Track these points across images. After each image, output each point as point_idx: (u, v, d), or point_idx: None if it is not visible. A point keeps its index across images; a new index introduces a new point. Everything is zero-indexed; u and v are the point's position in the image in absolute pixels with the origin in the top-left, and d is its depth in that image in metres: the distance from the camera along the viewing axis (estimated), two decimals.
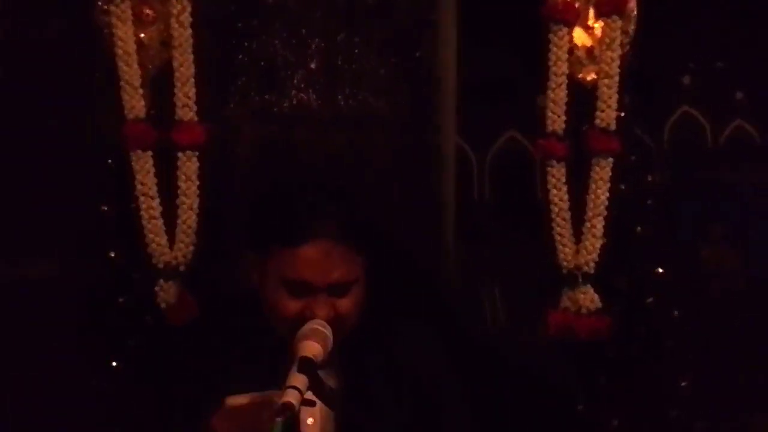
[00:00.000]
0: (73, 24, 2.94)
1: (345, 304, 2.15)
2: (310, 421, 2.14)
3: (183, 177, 2.71)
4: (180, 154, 2.71)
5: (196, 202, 2.71)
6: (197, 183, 2.71)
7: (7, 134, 3.04)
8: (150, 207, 2.70)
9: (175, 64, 2.71)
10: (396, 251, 2.53)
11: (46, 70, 3.06)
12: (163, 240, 2.69)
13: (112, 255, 2.67)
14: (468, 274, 3.11)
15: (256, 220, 2.24)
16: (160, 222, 2.70)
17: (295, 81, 2.87)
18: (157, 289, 2.67)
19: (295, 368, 1.96)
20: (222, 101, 2.85)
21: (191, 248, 2.70)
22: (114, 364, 2.61)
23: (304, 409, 2.02)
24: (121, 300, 2.65)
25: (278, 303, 2.14)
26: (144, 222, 2.69)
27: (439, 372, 2.24)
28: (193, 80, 2.71)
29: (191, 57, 2.71)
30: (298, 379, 1.94)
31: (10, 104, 3.04)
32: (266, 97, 2.86)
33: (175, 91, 2.71)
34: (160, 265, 2.68)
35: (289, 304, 2.13)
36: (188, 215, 2.71)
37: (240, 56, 2.84)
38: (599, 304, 2.76)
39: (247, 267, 2.22)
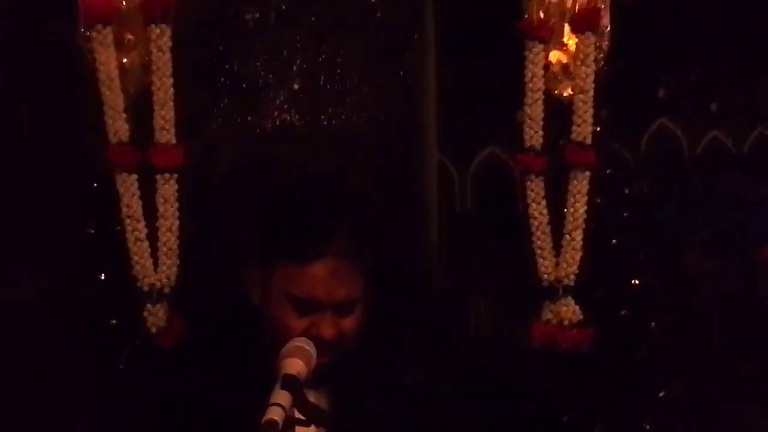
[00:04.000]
0: (56, 46, 2.95)
1: (349, 323, 2.16)
2: None
3: (161, 199, 2.71)
4: (158, 177, 2.72)
5: (175, 224, 2.71)
6: (176, 205, 2.71)
7: None
8: (135, 229, 2.70)
9: (154, 88, 2.72)
10: (383, 261, 2.55)
11: (32, 96, 3.08)
12: (148, 262, 2.70)
13: (102, 277, 2.68)
14: (453, 286, 3.14)
15: (263, 236, 2.24)
16: (145, 244, 2.70)
17: (278, 101, 2.89)
18: (145, 314, 2.67)
19: (278, 386, 1.98)
20: (205, 123, 2.87)
21: (174, 269, 2.70)
22: (103, 384, 2.61)
23: (299, 429, 2.04)
24: (110, 322, 2.66)
25: (284, 320, 2.14)
26: (129, 244, 2.69)
27: (429, 386, 2.26)
28: (171, 103, 2.72)
29: (170, 81, 2.72)
30: (282, 397, 1.95)
31: None
32: (249, 118, 2.88)
33: (154, 114, 2.72)
34: (145, 288, 2.68)
35: (294, 321, 2.14)
36: (168, 237, 2.71)
37: (222, 78, 2.87)
38: (581, 316, 2.79)
39: (248, 284, 2.23)
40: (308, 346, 2.09)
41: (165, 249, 2.71)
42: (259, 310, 2.21)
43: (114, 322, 2.66)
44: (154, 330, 2.65)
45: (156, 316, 2.67)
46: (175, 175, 2.72)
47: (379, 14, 2.93)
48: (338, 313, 2.15)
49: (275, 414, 1.91)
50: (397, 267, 2.68)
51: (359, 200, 2.42)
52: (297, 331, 2.14)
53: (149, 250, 2.71)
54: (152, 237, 2.72)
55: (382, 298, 2.28)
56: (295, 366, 2.03)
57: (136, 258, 2.69)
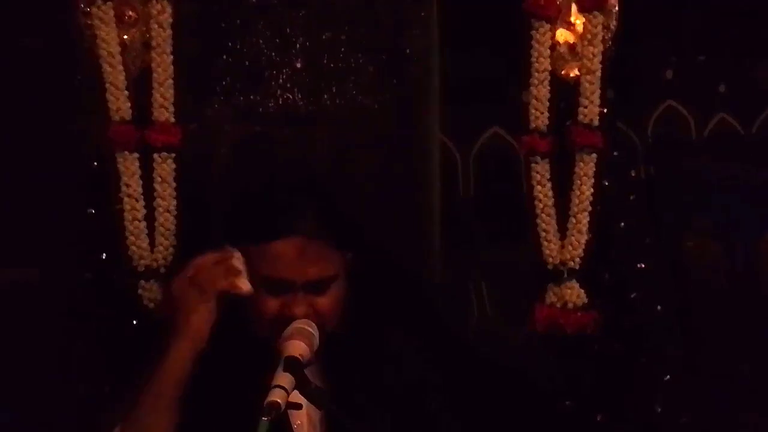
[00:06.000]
0: (55, 27, 2.93)
1: (324, 301, 2.14)
2: (298, 423, 2.14)
3: (159, 179, 2.70)
4: (156, 156, 2.70)
5: (173, 204, 2.70)
6: (174, 185, 2.70)
7: None
8: (133, 209, 2.69)
9: (154, 65, 2.70)
10: (380, 248, 2.53)
11: (28, 75, 3.06)
12: (144, 243, 2.68)
13: (103, 257, 2.67)
14: (454, 271, 3.12)
15: (232, 218, 2.24)
16: (142, 224, 2.69)
17: (281, 80, 2.87)
18: (140, 291, 2.66)
19: (280, 368, 1.97)
20: (206, 102, 2.84)
21: (171, 250, 2.68)
22: (100, 367, 2.60)
23: (291, 413, 2.03)
24: (108, 302, 2.65)
25: (257, 302, 2.13)
26: (126, 224, 2.68)
27: (426, 372, 2.25)
28: (171, 81, 2.70)
29: (170, 58, 2.70)
30: (284, 379, 1.94)
31: None
32: (251, 97, 2.86)
33: (153, 92, 2.70)
34: (141, 268, 2.67)
35: (268, 302, 2.13)
36: (165, 217, 2.70)
37: (224, 56, 2.84)
38: (585, 299, 2.77)
39: None
40: (311, 328, 2.08)
41: (162, 229, 2.69)
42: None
43: (114, 301, 2.64)
44: (152, 305, 2.64)
45: (151, 290, 2.66)
46: (173, 155, 2.71)
47: None
48: (311, 291, 2.13)
49: (278, 396, 1.91)
50: (392, 250, 2.67)
51: (329, 180, 2.40)
52: (271, 311, 2.13)
53: (146, 230, 2.69)
54: (150, 217, 2.70)
55: (380, 284, 2.27)
56: (298, 348, 2.02)
57: (132, 238, 2.68)
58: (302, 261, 2.12)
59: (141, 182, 2.69)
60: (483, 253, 3.36)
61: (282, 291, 2.13)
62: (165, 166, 2.70)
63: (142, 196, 2.69)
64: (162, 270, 2.67)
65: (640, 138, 4.26)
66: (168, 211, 2.70)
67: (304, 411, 2.06)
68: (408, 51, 2.92)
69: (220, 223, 2.64)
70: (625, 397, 2.81)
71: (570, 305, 2.76)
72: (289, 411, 1.98)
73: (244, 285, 2.11)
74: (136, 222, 2.69)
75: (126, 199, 2.69)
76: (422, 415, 2.21)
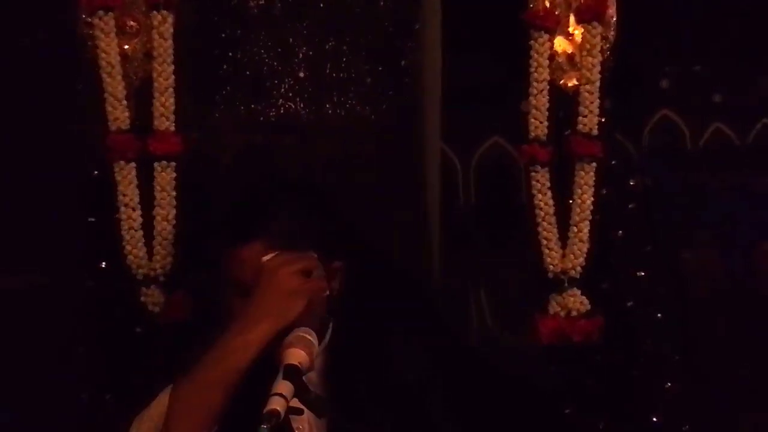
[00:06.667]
0: (56, 35, 2.93)
1: None
2: (300, 428, 2.14)
3: (158, 187, 2.70)
4: (156, 165, 2.70)
5: (172, 213, 2.70)
6: (173, 194, 2.70)
7: None
8: (130, 218, 2.69)
9: (155, 74, 2.71)
10: (380, 256, 2.54)
11: (31, 82, 3.06)
12: (142, 252, 2.68)
13: (103, 265, 2.67)
14: (453, 278, 3.13)
15: (211, 225, 2.23)
16: (139, 233, 2.69)
17: (283, 90, 2.87)
18: (142, 298, 2.66)
19: (280, 376, 1.96)
20: (208, 111, 2.85)
21: (169, 259, 2.69)
22: (105, 374, 2.60)
23: (293, 418, 2.03)
24: (112, 310, 2.65)
25: (227, 305, 2.11)
26: (123, 233, 2.68)
27: (427, 376, 2.24)
28: (172, 90, 2.70)
29: (171, 68, 2.70)
30: (284, 387, 1.93)
31: None
32: (253, 106, 2.87)
33: (154, 101, 2.71)
34: (140, 277, 2.67)
35: (235, 306, 2.11)
36: (163, 226, 2.70)
37: (225, 66, 2.85)
38: (588, 306, 2.78)
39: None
40: (310, 336, 2.08)
41: (160, 238, 2.70)
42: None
43: (117, 309, 2.64)
44: (156, 310, 2.65)
45: (153, 296, 2.66)
46: (173, 163, 2.71)
47: (382, 3, 2.91)
48: None
49: (277, 404, 1.89)
50: (392, 258, 2.67)
51: (329, 187, 2.39)
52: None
53: (143, 239, 2.69)
54: (149, 226, 2.70)
55: (380, 289, 2.27)
56: (297, 356, 2.01)
57: (129, 247, 2.68)
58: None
59: (138, 191, 2.70)
60: (483, 261, 3.36)
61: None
62: (165, 175, 2.71)
63: (139, 205, 2.70)
64: (161, 278, 2.68)
65: (635, 147, 4.27)
66: (167, 220, 2.71)
67: (305, 416, 2.06)
68: (409, 60, 2.93)
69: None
70: (625, 404, 2.81)
71: (574, 313, 2.76)
72: (291, 416, 1.99)
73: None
74: (133, 231, 2.69)
75: (123, 208, 2.69)
76: (423, 419, 2.20)
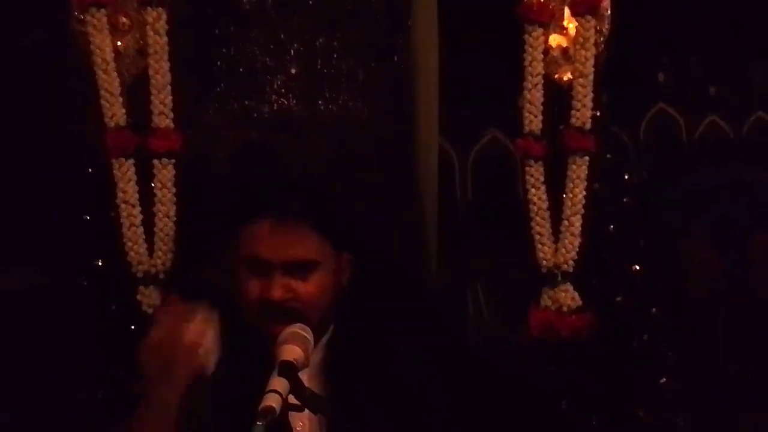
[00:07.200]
0: (50, 32, 2.93)
1: (304, 287, 2.14)
2: (300, 425, 2.15)
3: (159, 184, 2.71)
4: (156, 162, 2.70)
5: (172, 210, 2.70)
6: (173, 190, 2.71)
7: None
8: (130, 215, 2.69)
9: (151, 71, 2.71)
10: (378, 251, 2.54)
11: (30, 82, 3.06)
12: (142, 248, 2.69)
13: (99, 263, 2.67)
14: (450, 273, 3.13)
15: (224, 210, 2.24)
16: (139, 230, 2.69)
17: (276, 86, 2.87)
18: (139, 297, 2.67)
19: (275, 372, 1.97)
20: (202, 108, 2.85)
21: (170, 255, 2.69)
22: (102, 372, 2.61)
23: (293, 414, 2.04)
24: (109, 308, 2.65)
25: (240, 285, 2.15)
26: (124, 230, 2.68)
27: (425, 374, 2.25)
28: (169, 87, 2.70)
29: (167, 65, 2.71)
30: (279, 383, 1.95)
31: None
32: (246, 102, 2.87)
33: (152, 98, 2.70)
34: (140, 274, 2.68)
35: (249, 284, 2.14)
36: (164, 222, 2.70)
37: (219, 63, 2.85)
38: (580, 302, 2.78)
39: (228, 264, 2.22)
40: (305, 333, 2.08)
41: (161, 235, 2.70)
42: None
43: (113, 308, 2.64)
44: (150, 311, 2.64)
45: (150, 297, 2.66)
46: (173, 160, 2.71)
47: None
48: (291, 274, 2.14)
49: (273, 401, 1.91)
50: (389, 253, 2.67)
51: (326, 183, 2.40)
52: (252, 294, 2.14)
53: (144, 236, 2.69)
54: (149, 223, 2.70)
55: (379, 286, 2.27)
56: (293, 352, 2.02)
57: (130, 244, 2.68)
58: (279, 240, 2.13)
59: (137, 188, 2.70)
60: (480, 256, 3.36)
61: (261, 272, 2.13)
62: (165, 172, 2.71)
63: (138, 202, 2.70)
64: (161, 276, 2.68)
65: (631, 141, 4.27)
66: (167, 217, 2.71)
67: (305, 413, 2.06)
68: (404, 55, 2.93)
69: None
70: (620, 400, 2.81)
71: (564, 308, 2.77)
72: (290, 413, 1.99)
73: (207, 360, 2.12)
74: (134, 228, 2.69)
75: (122, 205, 2.69)
76: (422, 417, 2.21)
